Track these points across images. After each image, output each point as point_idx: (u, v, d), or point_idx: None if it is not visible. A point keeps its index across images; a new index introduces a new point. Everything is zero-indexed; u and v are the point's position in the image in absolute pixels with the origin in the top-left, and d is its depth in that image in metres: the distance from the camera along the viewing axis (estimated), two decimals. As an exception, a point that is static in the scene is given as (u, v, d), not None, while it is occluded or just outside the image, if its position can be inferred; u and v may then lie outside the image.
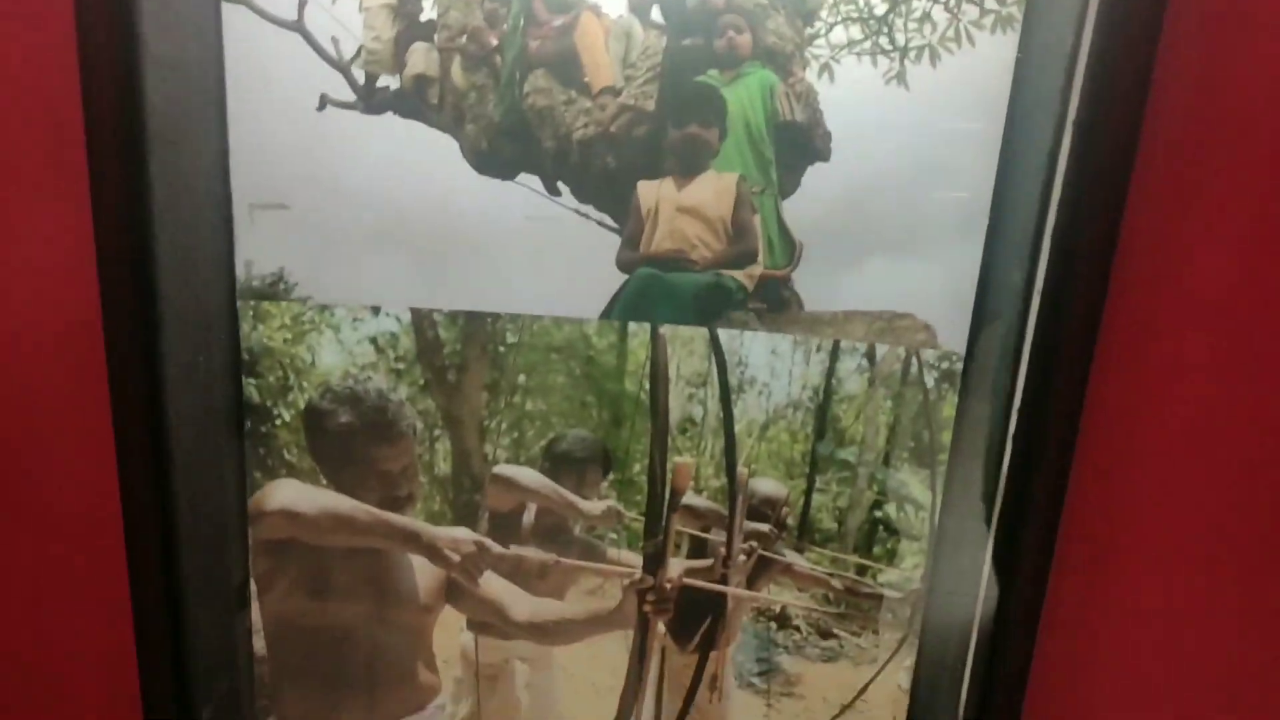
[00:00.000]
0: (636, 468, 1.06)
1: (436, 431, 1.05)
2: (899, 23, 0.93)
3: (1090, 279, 0.88)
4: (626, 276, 0.99)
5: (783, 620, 1.10)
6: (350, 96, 0.96)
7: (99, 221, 0.91)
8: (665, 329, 1.01)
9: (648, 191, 0.98)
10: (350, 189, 0.97)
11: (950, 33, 0.93)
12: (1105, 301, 0.88)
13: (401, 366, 1.03)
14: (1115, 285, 0.89)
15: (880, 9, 0.93)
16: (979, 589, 1.00)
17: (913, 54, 0.94)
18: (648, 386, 1.03)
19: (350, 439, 1.03)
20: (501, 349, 1.03)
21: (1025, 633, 0.98)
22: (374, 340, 1.02)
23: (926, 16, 0.93)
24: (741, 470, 1.05)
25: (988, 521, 0.99)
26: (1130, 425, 0.93)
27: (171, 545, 1.00)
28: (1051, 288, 0.90)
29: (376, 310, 1.01)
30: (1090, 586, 0.98)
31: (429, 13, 0.96)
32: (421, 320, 1.01)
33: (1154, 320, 0.90)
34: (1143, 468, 0.94)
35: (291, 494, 1.04)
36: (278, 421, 1.03)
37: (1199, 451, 0.92)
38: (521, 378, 1.03)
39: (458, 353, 1.03)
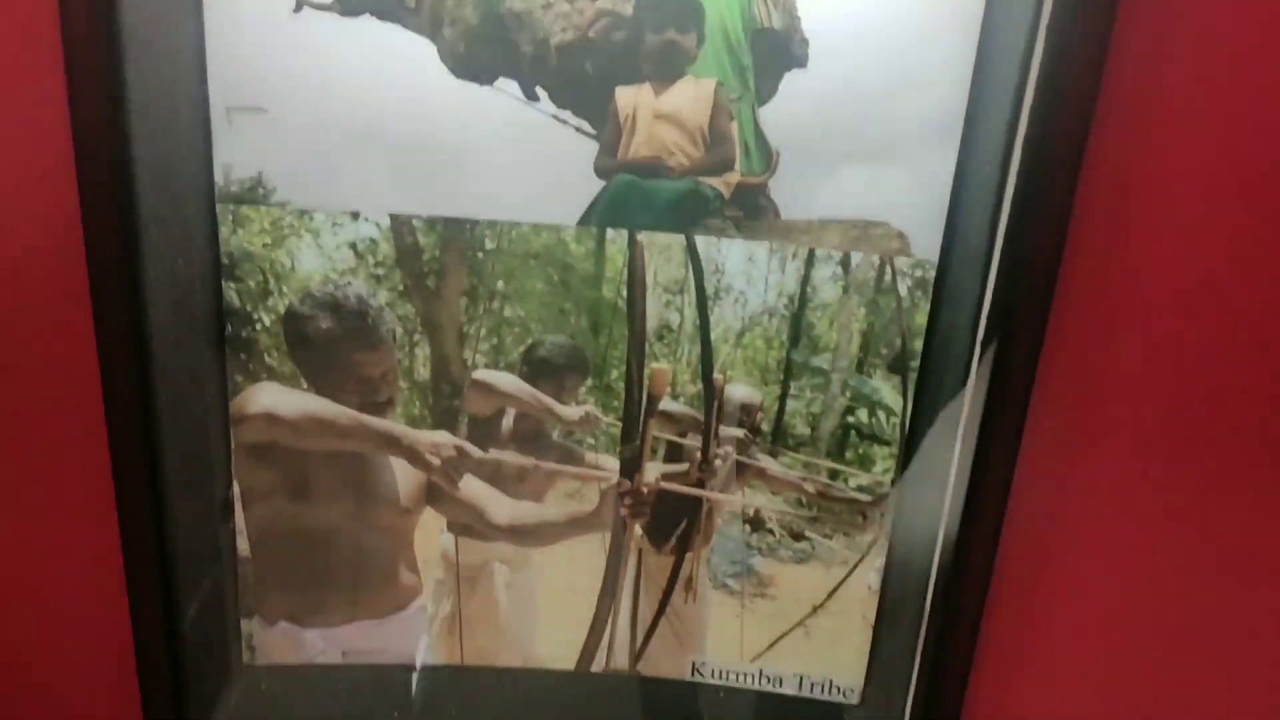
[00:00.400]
0: (614, 374, 1.07)
1: (416, 337, 1.06)
2: (878, -74, 0.93)
3: (1059, 187, 0.89)
4: (604, 183, 1.00)
5: (756, 523, 1.13)
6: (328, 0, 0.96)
7: (77, 124, 0.91)
8: (643, 236, 1.02)
9: (625, 97, 0.98)
10: (328, 92, 0.97)
11: (929, -64, 0.93)
12: (1073, 209, 0.89)
13: (381, 272, 1.04)
14: (1084, 192, 0.90)
15: (859, -88, 0.93)
16: (946, 492, 1.02)
17: (891, -40, 0.94)
18: (625, 293, 1.04)
19: (330, 344, 1.04)
20: (480, 255, 1.03)
21: (990, 535, 1.01)
22: (353, 245, 1.02)
23: (905, -80, 0.93)
24: (717, 376, 1.07)
25: (956, 427, 1.00)
26: (1098, 334, 0.95)
27: (154, 448, 1.01)
28: (1021, 196, 0.90)
29: (356, 215, 1.01)
30: (1056, 488, 1.00)
31: (405, -88, 0.94)
32: (400, 226, 1.02)
33: (1122, 228, 0.91)
34: (1109, 376, 0.96)
35: (272, 397, 1.05)
36: (258, 326, 1.04)
37: (1168, 357, 0.94)
38: (500, 284, 1.04)
39: (436, 259, 1.03)
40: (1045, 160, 0.89)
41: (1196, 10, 0.85)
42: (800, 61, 0.96)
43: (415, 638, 1.17)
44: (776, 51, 0.96)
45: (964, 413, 0.98)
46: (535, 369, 1.07)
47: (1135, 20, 0.85)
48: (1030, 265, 0.91)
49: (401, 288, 1.04)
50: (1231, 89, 0.86)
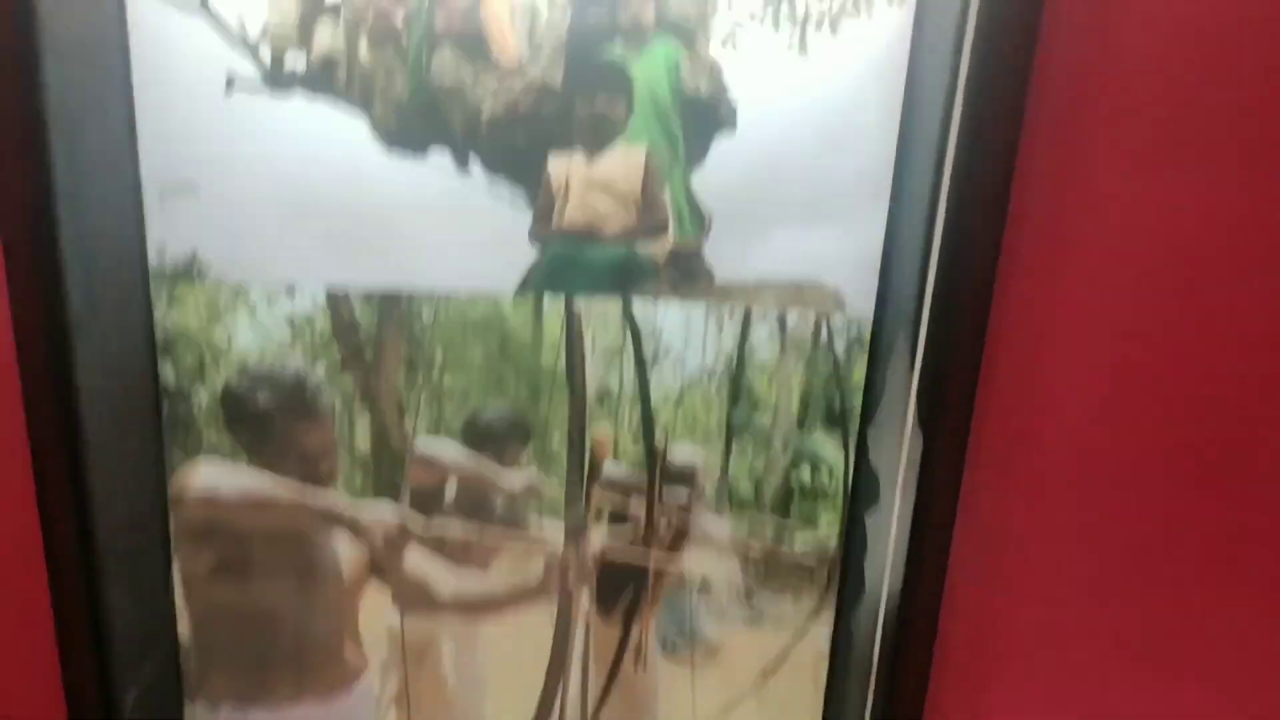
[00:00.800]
0: (556, 440, 1.07)
1: (356, 409, 1.05)
2: (798, -6, 0.95)
3: (982, 244, 0.90)
4: (539, 251, 1.00)
5: (704, 587, 1.12)
6: (257, 77, 0.96)
7: (2, 213, 0.91)
8: (580, 302, 1.02)
9: (558, 166, 0.99)
10: (261, 168, 0.98)
11: (849, 3, 0.95)
12: (998, 264, 0.90)
13: (319, 345, 1.03)
14: (1008, 246, 0.91)
15: (780, -19, 0.95)
16: (888, 548, 1.01)
17: (813, 24, 0.95)
18: (564, 359, 1.04)
19: (269, 419, 1.03)
20: (418, 326, 1.03)
21: (933, 588, 1.00)
22: (290, 320, 1.02)
23: (825, -12, 0.95)
24: (659, 439, 1.06)
25: (896, 483, 1.00)
26: (1029, 388, 0.95)
27: (88, 530, 0.99)
28: (946, 253, 0.91)
29: (292, 290, 1.01)
30: (996, 540, 1.00)
31: (335, -8, 0.96)
32: (337, 299, 1.02)
33: (1046, 277, 0.92)
34: (1042, 428, 0.96)
35: (212, 476, 1.04)
36: (196, 404, 1.03)
37: (1097, 407, 0.95)
38: (439, 354, 1.04)
39: (374, 330, 1.03)
40: (968, 218, 0.90)
41: (1113, 61, 0.87)
42: (729, 126, 0.98)
43: (362, 716, 1.14)
44: (705, 117, 0.98)
45: (901, 469, 0.98)
46: (476, 437, 1.07)
47: (1050, 76, 0.87)
48: (959, 321, 0.92)
49: (340, 360, 1.04)
50: (1151, 135, 0.88)
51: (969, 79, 0.89)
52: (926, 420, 0.95)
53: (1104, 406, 0.95)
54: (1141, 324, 0.92)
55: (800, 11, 0.95)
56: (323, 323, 1.03)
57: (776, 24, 0.96)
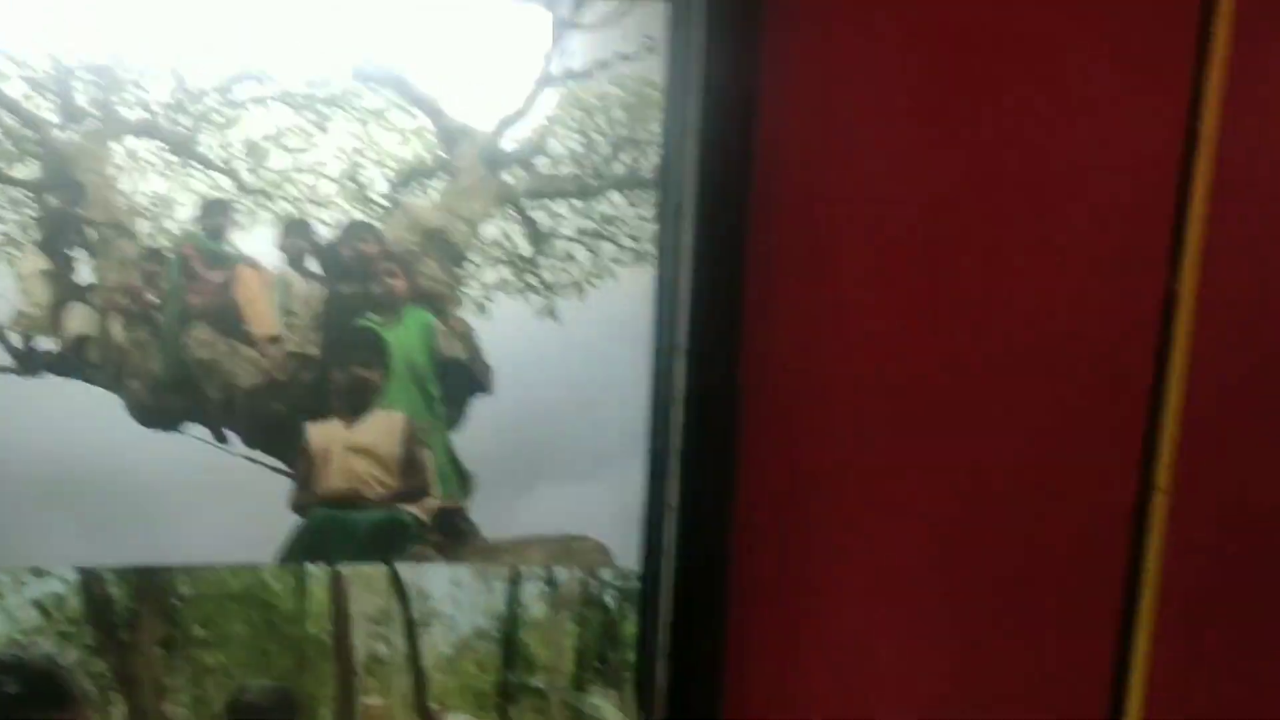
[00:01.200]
0: (325, 714, 1.03)
1: (110, 694, 1.01)
2: (545, 262, 0.98)
3: (714, 495, 0.91)
4: (301, 518, 0.99)
5: None
6: (6, 361, 0.96)
7: None
8: (344, 568, 1.01)
9: (317, 433, 0.99)
10: (8, 451, 0.96)
11: (593, 269, 0.99)
12: (732, 519, 0.92)
13: (71, 629, 1.00)
14: (741, 502, 0.92)
15: (526, 250, 0.98)
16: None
17: (561, 291, 0.99)
18: (331, 628, 1.02)
19: (16, 710, 0.98)
20: (176, 602, 1.00)
21: None
22: (38, 603, 0.99)
23: (570, 255, 0.99)
24: (433, 707, 1.03)
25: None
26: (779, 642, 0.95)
27: None
28: (686, 503, 0.93)
29: (40, 572, 0.98)
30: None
31: (86, 276, 0.96)
32: (89, 579, 0.99)
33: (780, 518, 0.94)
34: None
35: (-50, 778, 0.98)
36: (-66, 701, 0.98)
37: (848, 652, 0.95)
38: (199, 630, 1.01)
39: (130, 610, 1.00)
40: (700, 471, 0.92)
41: (811, 324, 0.91)
42: (485, 387, 0.99)
43: None
44: (461, 380, 0.99)
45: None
46: (241, 717, 1.02)
47: (758, 331, 0.91)
48: (701, 573, 0.92)
49: (93, 643, 1.00)
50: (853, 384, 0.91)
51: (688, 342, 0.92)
52: (676, 676, 0.94)
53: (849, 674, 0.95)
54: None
55: (548, 278, 0.98)
56: (75, 604, 0.99)
57: (525, 292, 0.99)
